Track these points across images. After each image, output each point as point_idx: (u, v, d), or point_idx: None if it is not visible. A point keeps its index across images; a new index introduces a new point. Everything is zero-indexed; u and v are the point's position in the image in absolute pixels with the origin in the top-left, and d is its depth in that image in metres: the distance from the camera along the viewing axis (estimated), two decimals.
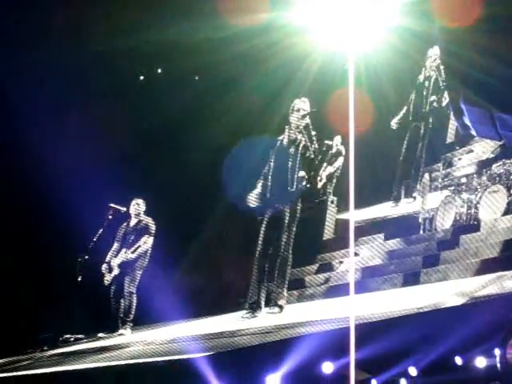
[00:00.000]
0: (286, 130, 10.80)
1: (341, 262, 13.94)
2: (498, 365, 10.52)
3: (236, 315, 12.83)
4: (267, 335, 9.61)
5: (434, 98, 15.16)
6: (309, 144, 10.56)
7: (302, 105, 10.83)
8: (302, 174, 10.36)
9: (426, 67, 15.28)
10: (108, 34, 13.44)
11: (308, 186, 10.91)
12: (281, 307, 10.75)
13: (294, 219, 10.43)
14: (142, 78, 16.21)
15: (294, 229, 10.51)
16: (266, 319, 10.93)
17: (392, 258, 13.25)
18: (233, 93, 14.81)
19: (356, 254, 14.16)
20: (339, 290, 12.67)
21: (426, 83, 15.18)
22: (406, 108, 15.42)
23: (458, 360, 10.19)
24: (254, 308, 10.75)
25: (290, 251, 10.74)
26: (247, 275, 14.20)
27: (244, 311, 11.17)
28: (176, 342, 10.52)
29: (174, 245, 12.69)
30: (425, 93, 15.18)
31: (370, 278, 12.81)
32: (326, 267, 14.08)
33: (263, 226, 10.53)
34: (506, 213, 12.70)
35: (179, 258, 13.39)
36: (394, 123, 15.25)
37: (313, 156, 10.55)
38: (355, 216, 15.83)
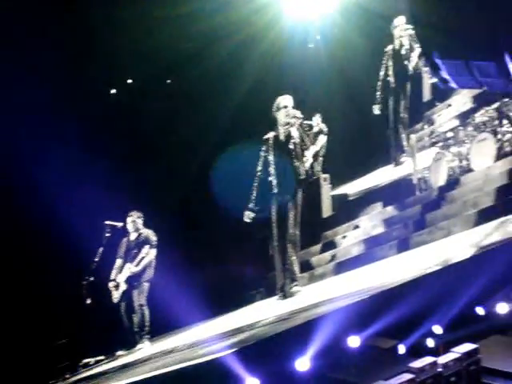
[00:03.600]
0: (280, 128, 11.06)
1: (344, 237, 13.95)
2: None
3: (250, 308, 12.85)
4: (288, 321, 9.59)
5: (410, 62, 15.36)
6: (304, 138, 11.05)
7: (287, 101, 11.06)
8: (301, 164, 11.02)
9: (396, 35, 15.43)
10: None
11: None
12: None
13: (299, 205, 11.03)
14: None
15: (300, 214, 11.03)
16: (281, 305, 10.91)
17: (393, 224, 13.27)
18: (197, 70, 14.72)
19: (357, 227, 14.19)
20: (348, 265, 12.69)
21: (402, 50, 15.35)
22: (382, 77, 15.52)
23: (480, 310, 10.22)
24: (284, 291, 11.14)
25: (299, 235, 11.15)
26: (254, 267, 14.25)
27: (276, 296, 11.43)
28: (198, 346, 10.46)
29: (177, 249, 12.68)
30: (402, 59, 15.38)
31: (375, 247, 12.81)
32: (331, 245, 14.10)
33: (273, 215, 11.05)
34: (497, 159, 12.73)
35: (184, 261, 13.38)
36: (377, 94, 15.41)
37: (307, 147, 11.08)
38: (350, 189, 15.94)
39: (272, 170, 10.95)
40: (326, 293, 10.94)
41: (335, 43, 16.47)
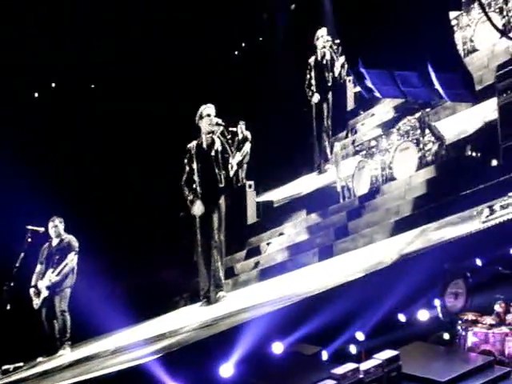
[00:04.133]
0: (203, 136, 11.16)
1: (268, 244, 14.01)
2: (440, 315, 10.77)
3: (173, 314, 12.78)
4: (211, 327, 9.56)
5: (333, 72, 15.70)
6: (226, 146, 11.13)
7: (210, 110, 11.16)
8: (224, 171, 11.09)
9: (319, 46, 15.74)
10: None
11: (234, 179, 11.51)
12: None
13: (222, 212, 11.13)
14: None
15: (224, 221, 11.14)
16: (205, 312, 10.89)
17: (317, 231, 13.37)
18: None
19: (281, 234, 14.27)
20: (271, 271, 12.74)
21: (324, 61, 15.67)
22: (306, 87, 15.78)
23: (402, 317, 10.37)
24: (208, 297, 11.12)
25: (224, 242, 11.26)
26: (178, 273, 14.19)
27: (199, 303, 11.42)
28: (120, 352, 10.35)
29: (100, 254, 12.53)
30: (324, 69, 15.70)
31: (299, 254, 12.89)
32: (255, 251, 14.13)
33: (197, 222, 11.09)
34: (419, 168, 12.96)
35: (108, 266, 13.24)
36: (311, 97, 15.67)
37: (230, 154, 11.14)
38: (275, 196, 16.03)
39: (196, 177, 11.01)
40: (250, 299, 10.96)
41: (262, 53, 16.63)
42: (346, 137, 16.63)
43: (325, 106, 16.06)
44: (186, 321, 10.84)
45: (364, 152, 14.00)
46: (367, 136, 15.06)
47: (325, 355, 9.93)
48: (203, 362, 8.64)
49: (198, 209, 11.01)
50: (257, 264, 13.60)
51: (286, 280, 11.72)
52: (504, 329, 10.20)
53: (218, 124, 11.11)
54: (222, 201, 11.12)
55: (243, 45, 17.11)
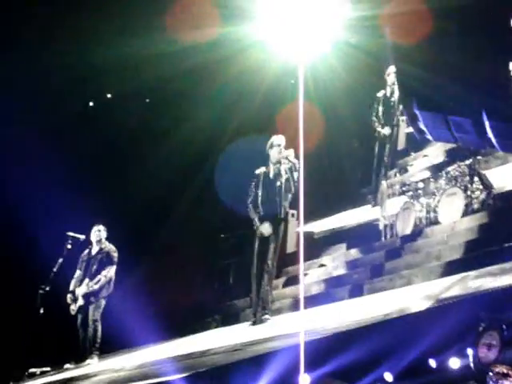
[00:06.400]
0: (271, 165, 11.66)
1: (305, 274, 13.96)
2: (472, 365, 10.59)
3: (204, 334, 12.78)
4: (239, 352, 9.55)
5: (397, 110, 15.73)
6: (291, 181, 11.54)
7: (280, 140, 11.69)
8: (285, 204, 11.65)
9: (388, 82, 15.80)
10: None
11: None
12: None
13: (279, 240, 11.74)
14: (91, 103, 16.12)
15: (279, 248, 11.80)
16: (235, 336, 10.89)
17: (355, 267, 13.31)
18: (184, 108, 14.78)
19: (322, 265, 14.22)
20: (306, 302, 12.67)
21: (392, 98, 15.72)
22: (374, 116, 15.80)
23: (432, 363, 10.23)
24: (256, 317, 11.57)
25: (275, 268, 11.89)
26: (214, 294, 14.19)
27: (248, 322, 11.87)
28: (146, 367, 10.38)
29: (138, 267, 12.60)
30: (391, 106, 15.74)
31: (335, 288, 12.82)
32: (292, 280, 14.09)
33: (256, 245, 11.64)
34: (464, 214, 12.86)
35: (144, 280, 13.30)
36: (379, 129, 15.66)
37: (292, 190, 11.57)
38: (317, 227, 15.97)
39: (259, 203, 11.55)
40: (281, 327, 10.92)
41: (322, 82, 16.64)
42: (395, 176, 16.56)
43: (387, 141, 16.10)
44: (215, 342, 10.84)
45: (411, 193, 13.95)
46: (415, 177, 14.99)
47: None
48: None
49: (266, 229, 11.49)
50: (293, 293, 13.54)
51: (320, 312, 11.66)
52: None
53: (287, 159, 11.54)
54: (280, 230, 11.64)
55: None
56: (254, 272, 11.56)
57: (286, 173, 11.48)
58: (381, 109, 15.99)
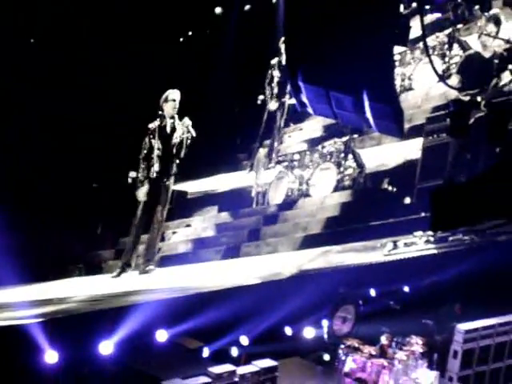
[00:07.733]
0: (167, 119, 11.53)
1: (174, 233, 13.98)
2: (325, 336, 10.93)
3: (66, 281, 12.61)
4: (101, 302, 9.52)
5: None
6: (186, 140, 11.59)
7: (176, 95, 11.55)
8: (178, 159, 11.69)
9: (282, 50, 15.75)
10: None
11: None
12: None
13: (169, 193, 11.71)
14: None
15: (168, 201, 11.77)
16: (99, 287, 10.82)
17: (224, 231, 13.41)
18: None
19: (188, 225, 14.26)
20: (171, 260, 12.72)
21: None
22: (267, 86, 15.78)
23: (288, 330, 10.49)
24: (124, 268, 11.40)
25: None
26: (79, 241, 14.00)
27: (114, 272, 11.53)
28: (4, 308, 10.19)
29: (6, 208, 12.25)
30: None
31: (202, 249, 12.91)
32: (162, 237, 14.07)
33: (142, 196, 11.52)
34: (335, 190, 13.13)
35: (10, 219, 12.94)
36: (259, 100, 15.65)
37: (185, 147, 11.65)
38: (191, 187, 15.97)
39: (154, 155, 11.41)
40: (144, 283, 10.94)
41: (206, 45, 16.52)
42: (272, 145, 16.70)
43: (279, 112, 16.12)
44: (76, 291, 10.75)
45: (286, 163, 14.11)
46: (292, 149, 15.16)
47: (206, 352, 9.97)
48: (85, 335, 8.60)
49: (143, 195, 11.40)
50: (159, 250, 13.55)
51: (185, 272, 11.73)
52: (383, 361, 10.38)
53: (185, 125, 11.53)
54: (171, 182, 11.62)
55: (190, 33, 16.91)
56: (136, 223, 11.49)
57: (182, 131, 11.47)
58: (276, 75, 15.94)
